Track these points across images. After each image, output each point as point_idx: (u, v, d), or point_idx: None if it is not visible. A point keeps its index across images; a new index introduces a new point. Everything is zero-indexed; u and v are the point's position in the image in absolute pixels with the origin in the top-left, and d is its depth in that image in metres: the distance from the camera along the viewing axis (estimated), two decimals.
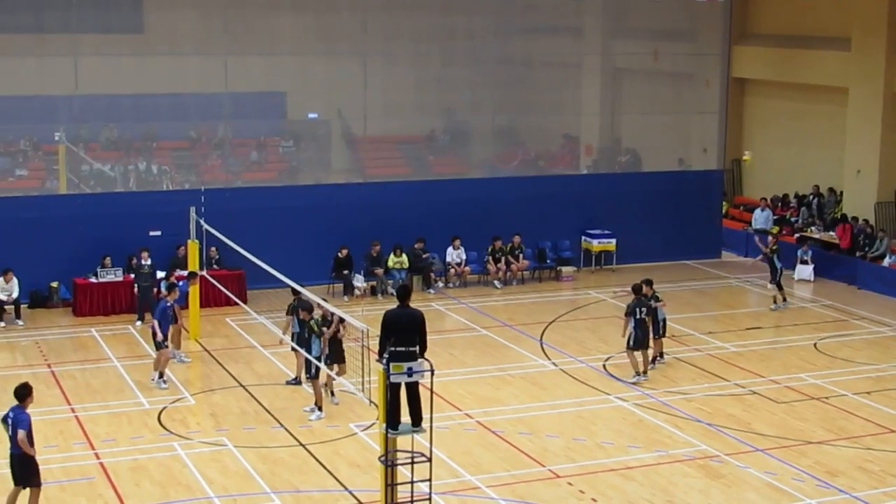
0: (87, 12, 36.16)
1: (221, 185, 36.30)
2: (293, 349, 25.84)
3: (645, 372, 26.59)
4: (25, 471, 18.43)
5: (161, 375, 26.06)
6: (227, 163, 38.47)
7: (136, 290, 31.82)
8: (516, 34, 40.33)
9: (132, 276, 32.39)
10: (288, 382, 26.22)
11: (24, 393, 18.53)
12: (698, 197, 40.13)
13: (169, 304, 26.66)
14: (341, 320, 23.39)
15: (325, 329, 23.90)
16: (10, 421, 18.35)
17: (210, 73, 36.97)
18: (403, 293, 17.80)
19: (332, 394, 24.59)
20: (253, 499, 20.10)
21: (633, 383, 26.30)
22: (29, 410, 18.57)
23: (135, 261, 32.48)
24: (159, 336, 26.01)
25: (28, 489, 18.51)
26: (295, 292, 25.30)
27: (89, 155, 36.93)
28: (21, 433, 18.20)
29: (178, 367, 27.55)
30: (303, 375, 25.50)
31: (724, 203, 42.06)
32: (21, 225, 32.73)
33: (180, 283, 28.76)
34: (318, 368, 23.89)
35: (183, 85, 37.26)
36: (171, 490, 20.30)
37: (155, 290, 30.70)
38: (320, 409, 24.14)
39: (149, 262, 31.89)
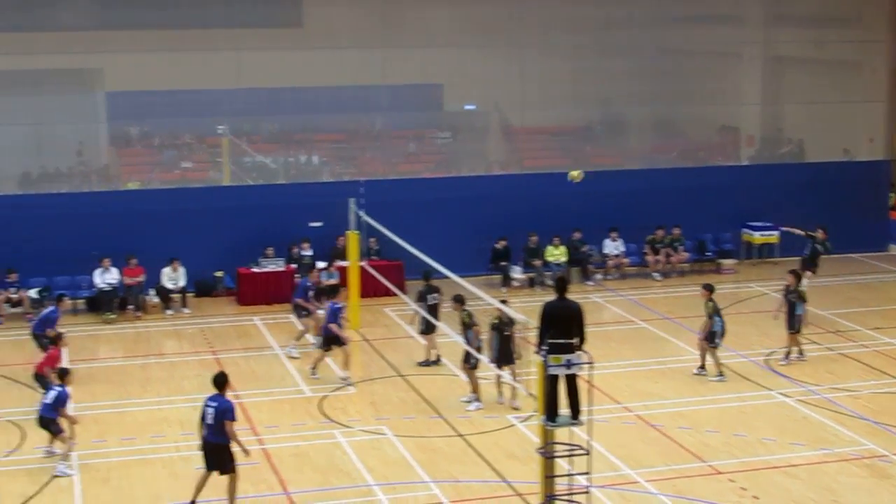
0: (248, 7, 36.85)
1: (380, 177, 36.66)
2: (422, 332, 27.11)
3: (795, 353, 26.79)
4: (224, 458, 18.71)
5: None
6: (385, 154, 38.82)
7: (297, 280, 32.30)
8: (674, 23, 39.94)
9: (294, 266, 32.92)
10: (420, 364, 26.72)
11: (223, 381, 18.87)
12: (864, 188, 39.25)
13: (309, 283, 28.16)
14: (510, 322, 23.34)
15: (502, 328, 23.76)
16: (211, 409, 18.58)
17: (368, 65, 37.34)
18: (561, 285, 17.77)
19: (500, 393, 24.43)
20: (412, 487, 20.26)
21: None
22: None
23: (296, 251, 33.02)
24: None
25: (225, 475, 18.82)
26: (426, 277, 26.83)
27: (251, 147, 37.60)
28: (230, 423, 18.46)
29: (340, 356, 27.88)
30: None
31: (892, 195, 41.06)
32: (187, 215, 33.47)
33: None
34: (476, 360, 24.00)
35: (341, 78, 37.68)
36: (332, 477, 20.58)
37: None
38: (478, 399, 24.26)
39: (310, 252, 32.37)
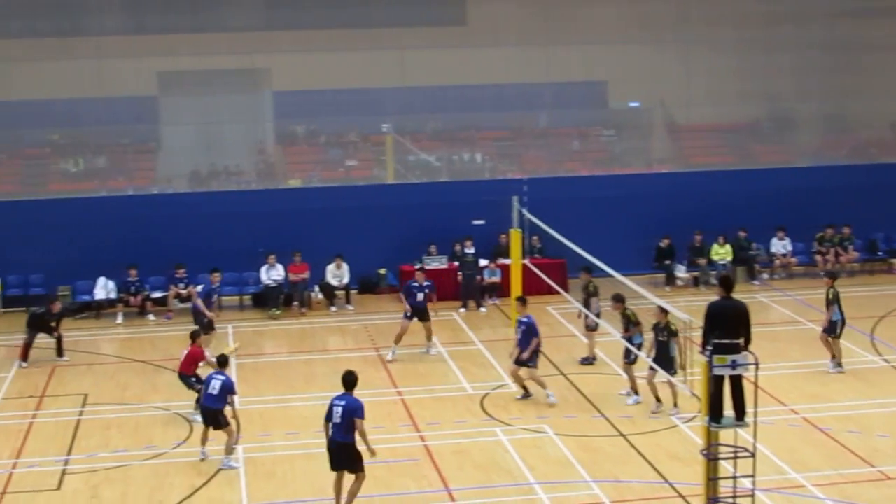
0: (413, 6, 37.18)
1: (543, 175, 36.58)
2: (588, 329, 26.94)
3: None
4: (353, 457, 18.65)
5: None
6: (549, 152, 38.76)
7: (460, 277, 32.45)
8: (845, 17, 39.16)
9: (456, 263, 33.05)
10: (581, 361, 26.70)
11: (352, 380, 18.72)
12: None
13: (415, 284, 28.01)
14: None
15: (658, 332, 23.59)
16: (339, 408, 18.47)
17: (531, 63, 37.38)
18: (727, 284, 17.51)
19: (657, 401, 24.01)
20: (573, 486, 20.16)
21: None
22: (362, 392, 19.02)
23: (458, 248, 33.15)
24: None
25: (353, 474, 18.82)
26: (587, 272, 26.85)
27: (415, 145, 37.86)
28: (360, 422, 18.40)
29: (501, 354, 27.95)
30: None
31: None
32: (351, 213, 33.83)
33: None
34: (635, 356, 23.90)
35: (505, 75, 37.79)
36: (493, 474, 20.58)
37: (478, 277, 31.39)
38: (636, 392, 24.15)
39: (472, 250, 32.48)
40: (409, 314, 27.76)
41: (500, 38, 37.42)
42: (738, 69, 39.33)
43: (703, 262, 34.28)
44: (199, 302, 28.01)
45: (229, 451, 21.03)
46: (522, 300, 25.14)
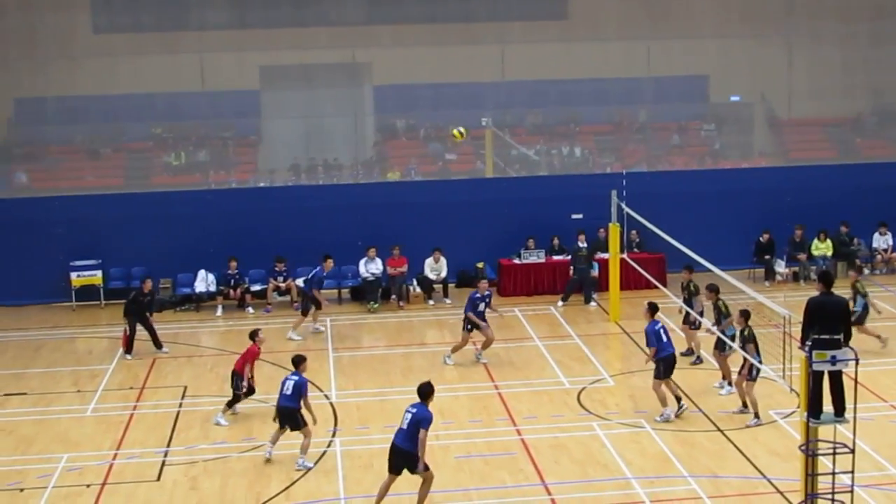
0: (513, 1, 37.18)
1: (642, 169, 36.44)
2: (688, 324, 26.55)
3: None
4: (411, 463, 18.57)
5: None
6: (649, 146, 38.61)
7: (572, 271, 32.41)
8: None
9: (561, 257, 33.13)
10: (682, 354, 26.17)
11: (427, 392, 18.71)
12: None
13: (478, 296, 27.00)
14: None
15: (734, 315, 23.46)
16: (409, 415, 18.51)
17: (632, 57, 37.27)
18: (827, 279, 17.35)
19: (744, 405, 23.66)
20: (670, 482, 20.10)
21: None
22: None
23: (557, 242, 33.18)
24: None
25: (416, 475, 18.70)
26: (689, 271, 26.42)
27: (515, 139, 37.89)
28: (424, 433, 18.37)
29: (598, 348, 27.91)
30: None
31: None
32: (449, 207, 33.94)
33: None
34: (730, 347, 23.91)
35: (605, 69, 37.71)
36: (590, 469, 20.57)
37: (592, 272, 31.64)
38: (730, 383, 24.08)
39: (585, 244, 32.41)
40: (469, 327, 26.85)
41: (601, 33, 37.34)
42: (841, 63, 38.90)
43: (802, 257, 33.94)
44: (302, 283, 28.83)
45: (304, 450, 21.02)
46: (652, 307, 23.58)
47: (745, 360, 22.61)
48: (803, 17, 38.14)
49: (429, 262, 32.83)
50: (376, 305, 32.10)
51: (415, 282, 32.90)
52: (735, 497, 19.38)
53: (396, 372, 26.61)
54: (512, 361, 27.15)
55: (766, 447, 21.31)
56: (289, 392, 20.90)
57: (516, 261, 33.40)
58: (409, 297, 32.72)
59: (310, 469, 20.89)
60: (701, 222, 33.53)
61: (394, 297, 32.48)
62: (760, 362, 22.38)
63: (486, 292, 27.10)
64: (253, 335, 23.64)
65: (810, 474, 17.04)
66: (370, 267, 32.36)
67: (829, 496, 17.07)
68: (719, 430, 22.34)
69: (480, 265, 34.02)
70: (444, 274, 32.86)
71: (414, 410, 18.53)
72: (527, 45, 37.13)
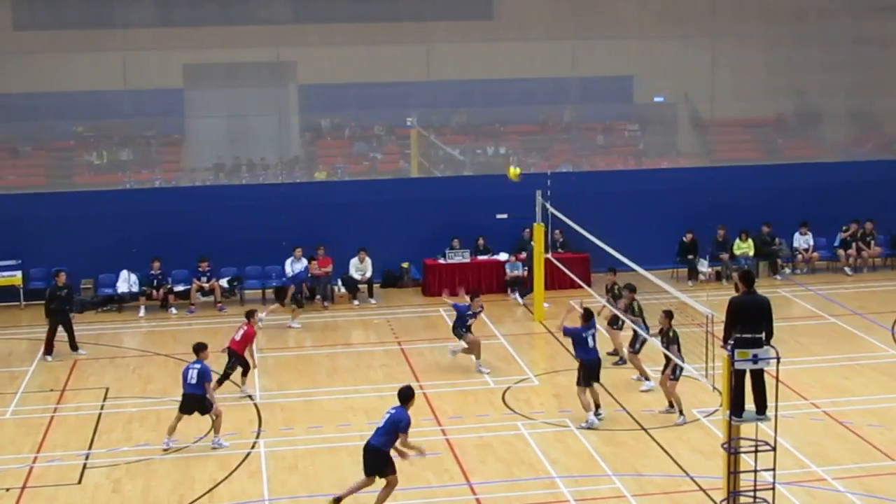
0: (439, 1, 37.15)
1: (567, 169, 36.58)
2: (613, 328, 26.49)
3: None
4: (384, 463, 18.58)
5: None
6: (574, 146, 38.74)
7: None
8: (870, 13, 39.01)
9: (486, 257, 33.20)
10: (607, 353, 26.25)
11: (408, 395, 18.84)
12: None
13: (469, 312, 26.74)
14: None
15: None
16: (389, 415, 18.62)
17: (558, 57, 37.36)
18: (748, 279, 17.51)
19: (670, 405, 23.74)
20: (595, 480, 20.19)
21: None
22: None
23: (482, 242, 33.24)
24: None
25: (384, 479, 18.69)
26: (613, 273, 26.62)
27: (440, 139, 37.86)
28: (403, 436, 18.47)
29: (524, 348, 27.97)
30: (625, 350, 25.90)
31: None
32: (375, 207, 33.89)
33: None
34: (642, 344, 24.42)
35: (531, 70, 37.76)
36: (515, 468, 20.61)
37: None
38: (647, 378, 24.51)
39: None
40: (464, 331, 26.47)
41: (527, 33, 37.37)
42: (765, 64, 39.22)
43: (725, 256, 34.22)
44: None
45: (218, 429, 21.55)
46: (587, 313, 23.09)
47: (668, 359, 22.75)
48: (727, 19, 38.42)
49: (354, 261, 32.74)
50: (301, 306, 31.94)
51: (340, 282, 32.79)
52: (659, 495, 19.50)
53: (321, 373, 26.52)
54: (437, 361, 27.13)
55: (689, 445, 21.46)
56: (193, 381, 21.41)
57: (441, 261, 33.39)
58: (334, 297, 32.60)
59: (225, 447, 21.35)
60: (625, 222, 33.68)
61: (319, 297, 32.36)
62: (683, 361, 22.54)
63: (479, 308, 26.80)
64: (249, 315, 24.75)
65: (733, 472, 17.18)
66: (296, 267, 32.18)
67: (751, 494, 17.21)
68: (643, 428, 22.48)
69: (406, 265, 33.99)
70: (369, 274, 32.79)
71: (392, 412, 18.64)
72: (453, 45, 37.13)
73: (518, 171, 28.76)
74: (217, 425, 21.56)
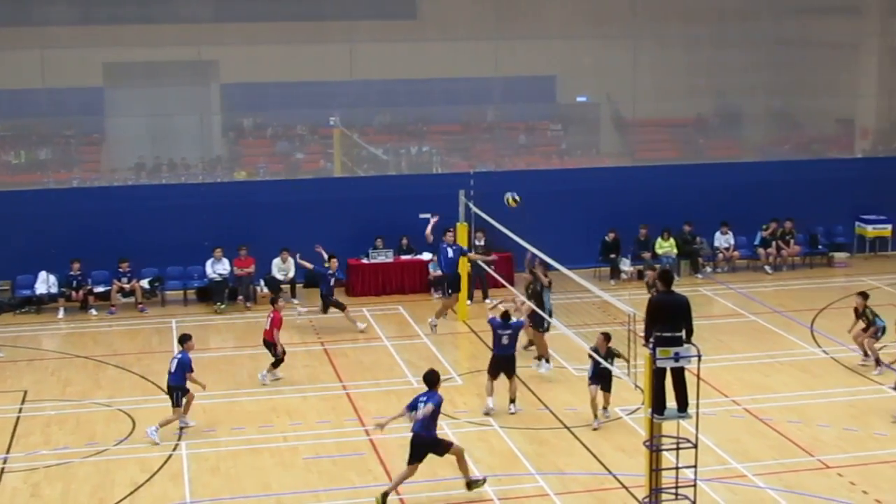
0: (362, 0, 37.05)
1: (491, 169, 36.65)
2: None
3: None
4: (438, 446, 19.55)
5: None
6: (497, 146, 38.79)
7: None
8: (791, 14, 39.42)
9: (409, 257, 33.17)
10: (524, 347, 26.35)
11: (434, 379, 19.63)
12: None
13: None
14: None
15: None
16: (424, 404, 19.33)
17: (481, 57, 37.33)
18: (666, 278, 17.66)
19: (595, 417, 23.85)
20: (519, 479, 20.25)
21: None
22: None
23: (405, 242, 33.21)
24: None
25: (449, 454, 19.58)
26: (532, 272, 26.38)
27: (363, 139, 37.76)
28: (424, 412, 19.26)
29: (447, 347, 27.98)
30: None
31: None
32: (298, 207, 33.75)
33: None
34: (548, 324, 25.25)
35: (455, 69, 37.71)
36: (439, 468, 20.56)
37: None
38: (547, 360, 25.29)
39: (483, 242, 32.42)
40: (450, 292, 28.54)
41: (450, 32, 37.33)
42: (686, 64, 39.49)
43: (647, 255, 34.44)
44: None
45: (163, 423, 21.90)
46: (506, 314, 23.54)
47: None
48: (648, 20, 38.61)
49: (276, 262, 32.57)
50: (223, 306, 31.75)
51: (262, 282, 32.60)
52: (582, 493, 19.59)
53: (244, 374, 26.36)
54: (361, 361, 27.09)
55: (611, 443, 21.58)
56: (173, 370, 22.00)
57: (365, 260, 33.32)
58: (256, 297, 32.40)
59: (156, 444, 21.48)
60: (549, 221, 33.79)
61: (241, 297, 32.16)
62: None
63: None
64: (274, 301, 25.79)
65: (655, 469, 17.30)
66: (217, 267, 32.00)
67: (673, 490, 17.34)
68: (566, 427, 22.56)
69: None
70: (291, 274, 32.63)
71: (425, 399, 19.34)
72: (376, 45, 37.00)
73: (517, 199, 28.98)
74: (167, 420, 22.06)
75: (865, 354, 26.33)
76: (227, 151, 38.17)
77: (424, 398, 19.31)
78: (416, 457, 19.34)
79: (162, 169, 36.57)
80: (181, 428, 22.33)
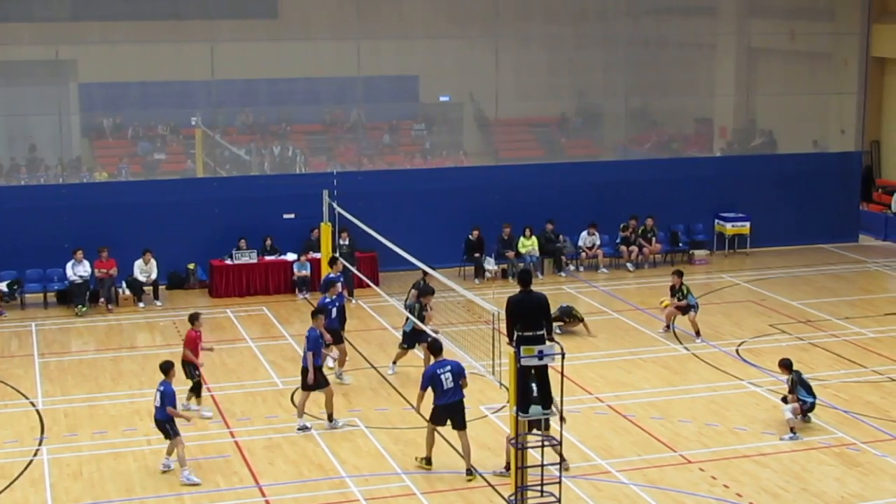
0: None
1: (354, 168, 36.64)
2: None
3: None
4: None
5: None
6: (360, 146, 38.78)
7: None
8: (649, 15, 40.01)
9: (273, 257, 33.02)
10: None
11: (440, 346, 20.50)
12: (835, 179, 39.40)
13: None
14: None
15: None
16: (449, 374, 19.90)
17: (343, 57, 37.25)
18: (524, 279, 17.89)
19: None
20: (385, 479, 20.27)
21: None
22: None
23: (269, 243, 33.07)
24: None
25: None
26: (424, 273, 25.39)
27: (225, 139, 37.49)
28: (465, 380, 20.09)
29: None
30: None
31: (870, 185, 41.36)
32: (159, 207, 33.38)
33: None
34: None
35: (317, 69, 37.61)
36: (305, 469, 20.55)
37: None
38: (394, 362, 25.84)
39: (347, 241, 32.08)
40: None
41: (312, 32, 37.19)
42: (547, 64, 39.85)
43: (511, 254, 34.69)
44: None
45: (182, 462, 20.24)
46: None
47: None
48: (510, 19, 38.86)
49: (138, 263, 32.16)
50: (84, 309, 31.25)
51: (124, 284, 32.18)
52: (448, 492, 19.68)
53: (106, 377, 26.00)
54: (224, 363, 26.88)
55: (477, 442, 21.65)
56: (158, 403, 20.35)
57: (228, 261, 33.06)
58: (118, 299, 31.97)
59: (197, 484, 19.97)
60: (413, 221, 33.92)
61: (102, 300, 31.71)
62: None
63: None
64: (193, 319, 23.65)
65: (520, 467, 17.45)
66: (77, 269, 31.48)
67: (539, 487, 17.51)
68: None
69: (192, 266, 33.55)
70: (154, 276, 32.25)
71: (449, 367, 19.99)
72: (237, 44, 36.73)
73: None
74: (181, 457, 20.26)
75: (667, 327, 28.71)
76: (87, 152, 37.58)
77: (441, 369, 19.96)
78: (460, 423, 20.14)
79: (20, 170, 35.91)
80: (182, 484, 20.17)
